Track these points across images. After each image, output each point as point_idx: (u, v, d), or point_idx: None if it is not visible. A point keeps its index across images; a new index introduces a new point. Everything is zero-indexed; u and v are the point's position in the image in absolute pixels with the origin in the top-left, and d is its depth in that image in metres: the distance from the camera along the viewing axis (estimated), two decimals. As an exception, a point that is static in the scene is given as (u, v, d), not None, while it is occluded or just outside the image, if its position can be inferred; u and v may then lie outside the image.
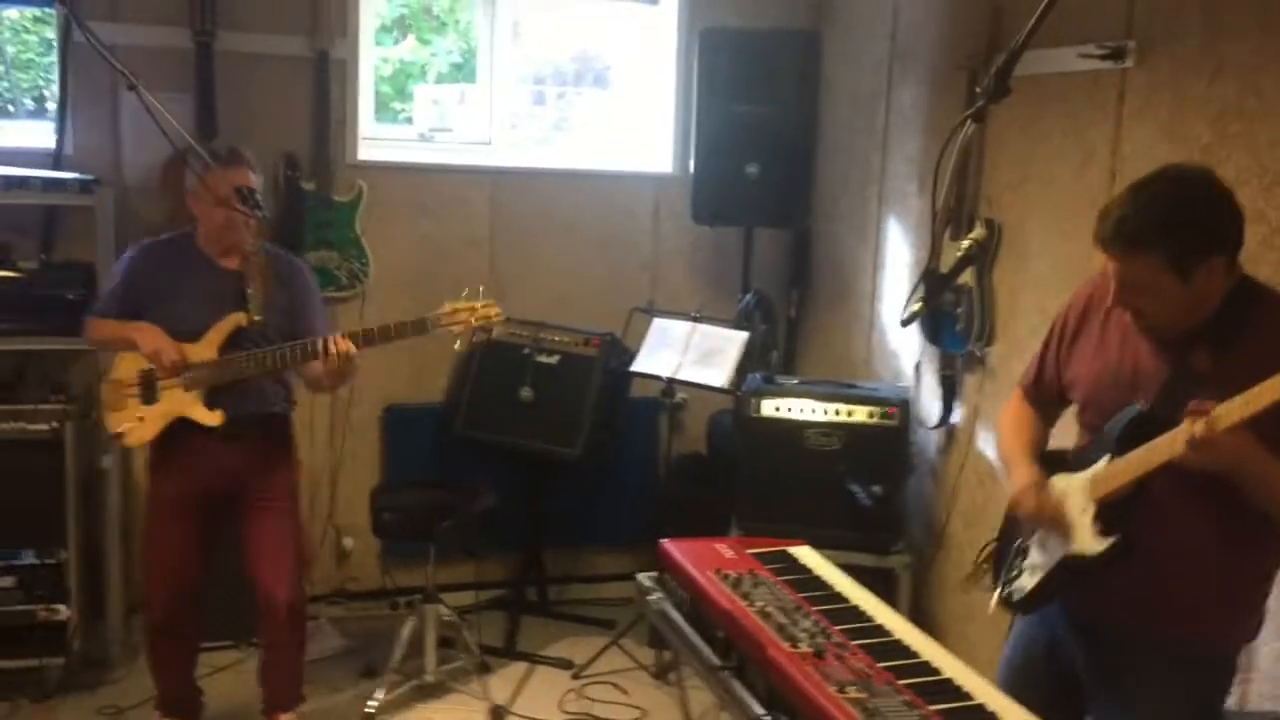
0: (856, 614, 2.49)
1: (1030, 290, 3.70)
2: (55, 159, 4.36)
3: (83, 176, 4.18)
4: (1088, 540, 2.38)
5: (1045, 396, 2.65)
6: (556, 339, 4.59)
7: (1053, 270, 3.62)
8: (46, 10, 4.59)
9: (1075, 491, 2.44)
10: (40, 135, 4.49)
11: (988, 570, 2.74)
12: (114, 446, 4.01)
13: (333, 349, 3.52)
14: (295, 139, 4.60)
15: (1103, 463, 2.37)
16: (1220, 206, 2.25)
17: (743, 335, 4.22)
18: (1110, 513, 2.35)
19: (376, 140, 4.91)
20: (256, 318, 3.61)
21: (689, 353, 4.27)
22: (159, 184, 4.40)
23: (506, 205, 4.94)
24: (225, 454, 3.65)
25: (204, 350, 3.58)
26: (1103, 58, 3.43)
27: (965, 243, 2.53)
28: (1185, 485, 2.21)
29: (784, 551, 2.90)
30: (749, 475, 4.20)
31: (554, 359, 4.56)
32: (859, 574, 4.21)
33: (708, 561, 2.75)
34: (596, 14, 5.47)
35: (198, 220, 3.67)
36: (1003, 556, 2.68)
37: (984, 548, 2.74)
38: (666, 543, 2.88)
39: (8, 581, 4.04)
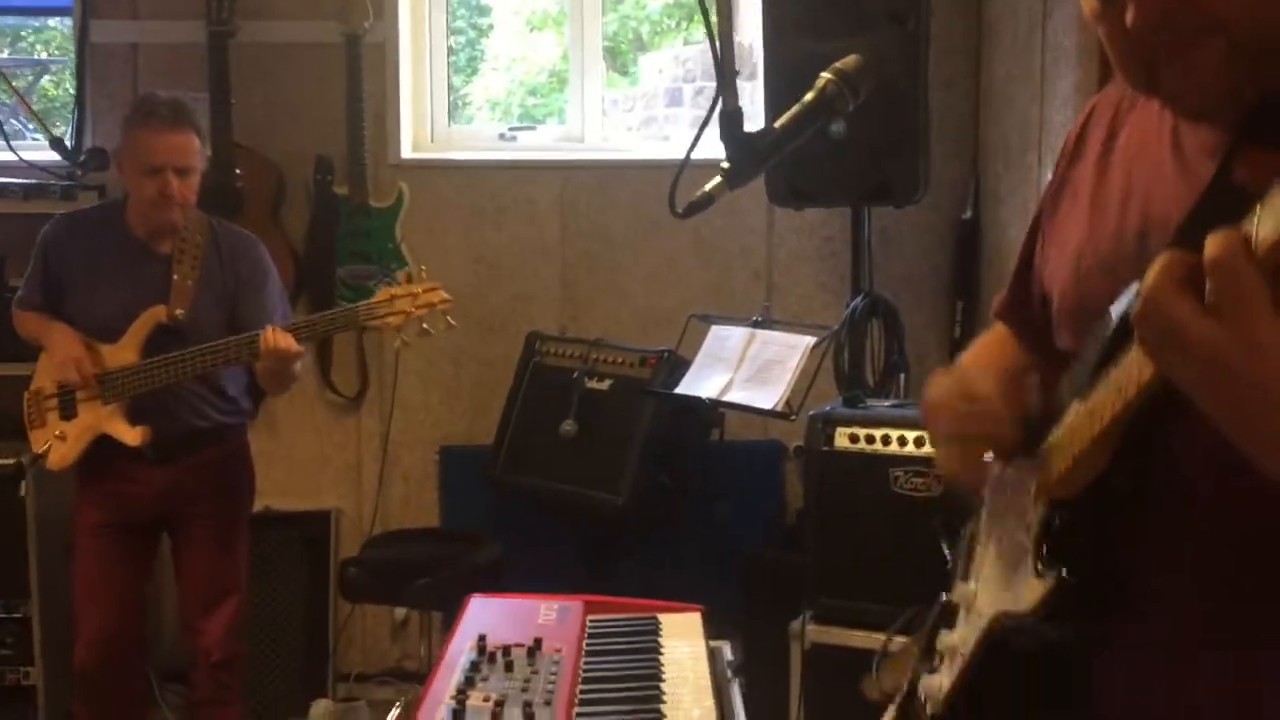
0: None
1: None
2: (73, 167, 3.98)
3: (64, 183, 3.76)
4: (1024, 582, 1.15)
5: (1031, 314, 1.38)
6: (611, 360, 3.66)
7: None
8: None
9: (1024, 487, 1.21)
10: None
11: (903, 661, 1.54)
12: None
13: (266, 344, 2.88)
14: (329, 139, 4.00)
15: (1069, 415, 1.10)
16: None
17: (807, 340, 3.12)
18: (1070, 523, 1.10)
19: (438, 142, 4.25)
20: (178, 312, 3.02)
21: (743, 367, 3.22)
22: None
23: (581, 207, 4.10)
24: (156, 477, 3.08)
25: (123, 353, 3.02)
26: None
27: (823, 78, 1.44)
28: (1218, 449, 0.92)
29: (648, 620, 1.86)
30: (818, 533, 3.09)
31: (604, 384, 3.63)
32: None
33: (495, 626, 1.76)
34: None
35: (129, 195, 3.14)
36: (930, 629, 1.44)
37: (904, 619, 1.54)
38: (474, 599, 1.93)
39: (-26, 636, 3.59)
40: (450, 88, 4.41)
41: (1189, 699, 1.13)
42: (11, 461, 3.50)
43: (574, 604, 1.87)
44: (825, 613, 3.05)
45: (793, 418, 3.06)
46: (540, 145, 4.28)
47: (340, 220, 4.00)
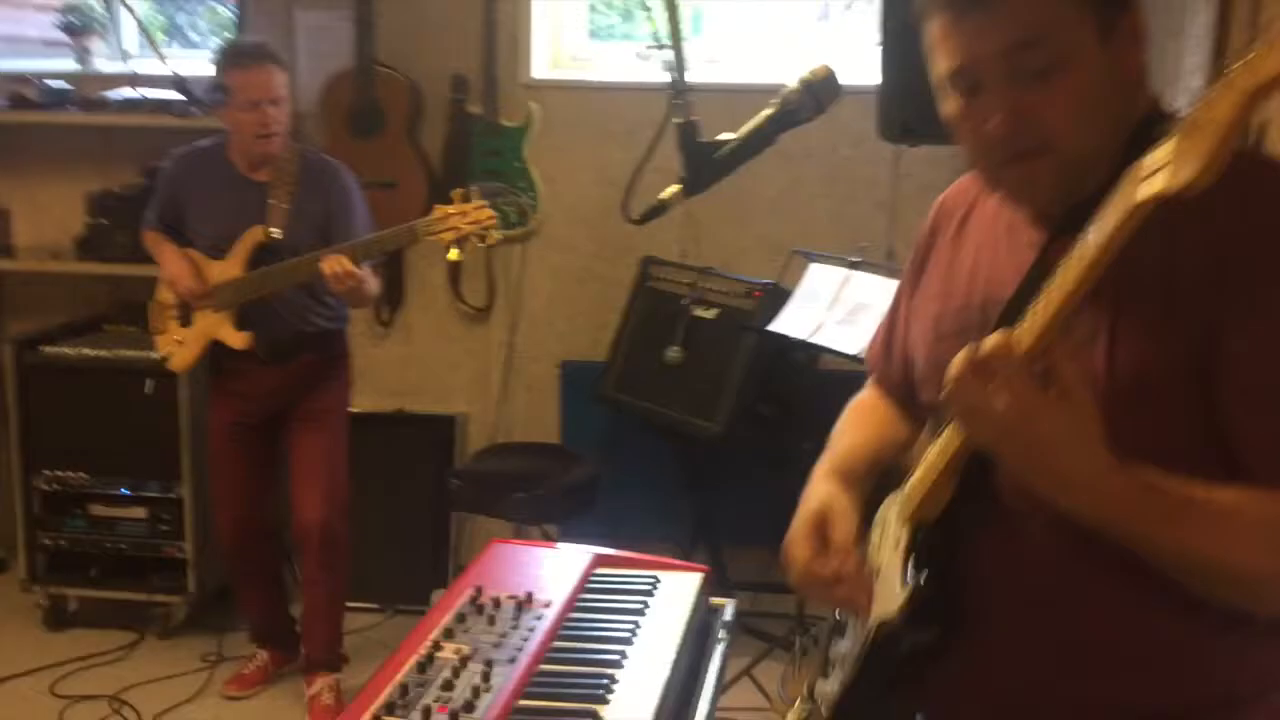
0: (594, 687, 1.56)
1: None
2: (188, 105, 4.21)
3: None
4: (892, 593, 1.34)
5: (893, 371, 1.60)
6: (718, 289, 3.72)
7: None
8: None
9: (892, 518, 1.41)
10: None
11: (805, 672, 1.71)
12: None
13: (325, 269, 3.14)
14: (466, 59, 4.12)
15: (928, 452, 1.33)
16: None
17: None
18: (930, 539, 1.31)
19: (577, 59, 4.32)
20: (273, 231, 3.32)
21: (836, 308, 3.24)
22: (319, 107, 4.13)
23: (705, 128, 4.10)
24: (268, 376, 3.44)
25: (229, 268, 3.37)
26: None
27: (788, 88, 1.46)
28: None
29: (647, 578, 1.96)
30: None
31: (711, 313, 3.69)
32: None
33: (499, 574, 1.90)
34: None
35: (229, 133, 3.43)
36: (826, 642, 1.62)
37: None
38: (496, 544, 2.07)
39: (139, 513, 3.98)
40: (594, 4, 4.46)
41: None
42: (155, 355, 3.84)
43: (584, 557, 1.98)
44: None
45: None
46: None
47: (473, 139, 4.14)
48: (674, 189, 1.55)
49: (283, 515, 3.69)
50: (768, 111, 1.51)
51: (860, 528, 1.44)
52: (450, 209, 3.10)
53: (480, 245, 3.14)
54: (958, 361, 1.13)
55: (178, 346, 3.46)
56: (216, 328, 3.37)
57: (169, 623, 4.01)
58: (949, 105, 1.29)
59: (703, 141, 1.51)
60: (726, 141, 1.50)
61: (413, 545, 4.21)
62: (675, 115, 1.53)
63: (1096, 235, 1.05)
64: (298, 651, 3.77)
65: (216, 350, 3.42)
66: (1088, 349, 1.19)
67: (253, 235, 3.31)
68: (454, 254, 3.11)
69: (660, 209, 1.56)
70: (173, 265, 3.38)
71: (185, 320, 3.44)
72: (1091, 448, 1.09)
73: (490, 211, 3.09)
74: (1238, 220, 1.14)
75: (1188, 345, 1.15)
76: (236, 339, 3.34)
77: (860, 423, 1.63)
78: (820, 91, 1.49)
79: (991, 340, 1.10)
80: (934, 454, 1.29)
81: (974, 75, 1.23)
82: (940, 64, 1.26)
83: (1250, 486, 1.13)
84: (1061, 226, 1.24)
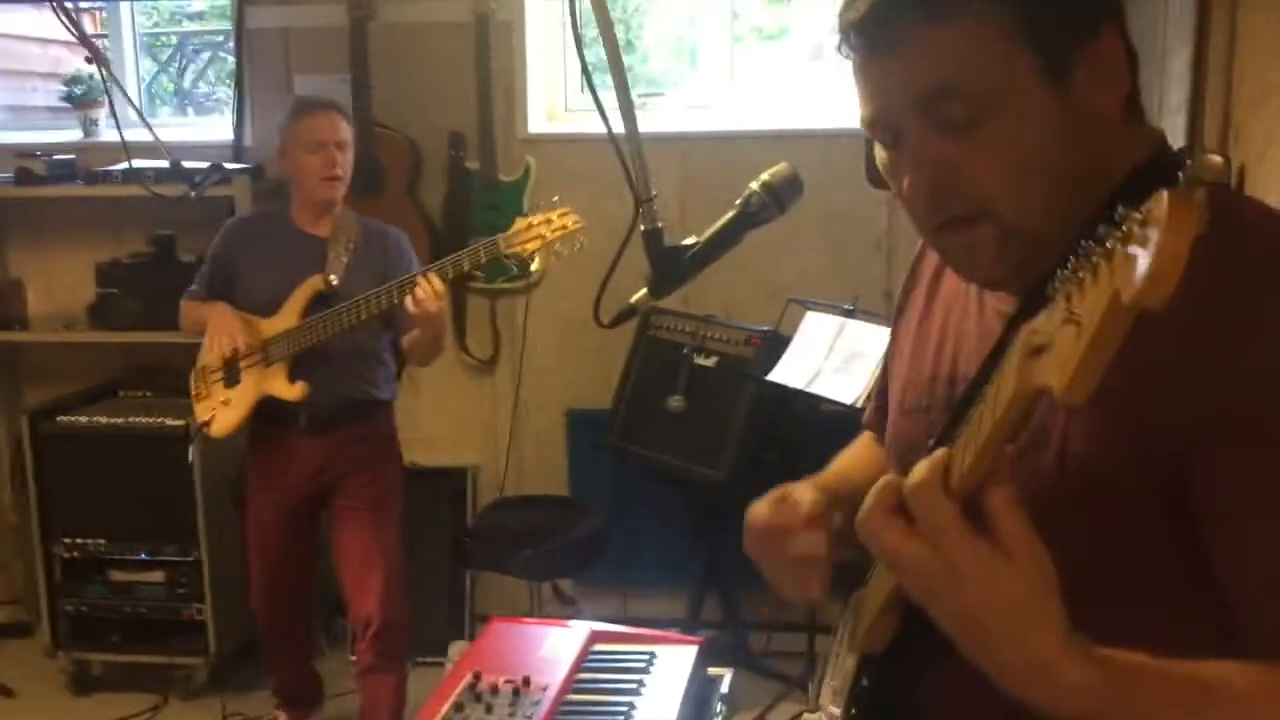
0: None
1: None
2: (235, 150, 4.32)
3: (235, 166, 4.07)
4: None
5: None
6: (718, 337, 3.76)
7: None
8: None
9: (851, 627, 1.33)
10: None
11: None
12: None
13: (420, 293, 3.06)
14: (463, 116, 4.19)
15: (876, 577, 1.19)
16: None
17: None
18: (881, 677, 1.20)
19: (573, 112, 4.39)
20: (332, 278, 3.31)
21: (832, 357, 3.28)
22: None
23: (700, 177, 4.16)
24: (313, 450, 3.39)
25: (284, 320, 3.34)
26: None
27: (749, 189, 1.52)
28: None
29: (643, 654, 2.00)
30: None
31: (712, 361, 3.73)
32: None
33: (497, 656, 1.95)
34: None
35: (294, 184, 3.44)
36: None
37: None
38: (495, 623, 2.12)
39: (158, 576, 4.04)
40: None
41: None
42: (181, 423, 3.90)
43: (581, 634, 2.02)
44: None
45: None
46: (668, 113, 4.36)
47: (472, 194, 4.20)
48: (642, 293, 1.59)
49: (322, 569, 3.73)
50: (730, 214, 1.55)
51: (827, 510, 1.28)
52: (533, 219, 3.10)
53: (561, 254, 3.09)
54: (872, 495, 0.93)
55: (223, 408, 3.36)
56: (267, 381, 3.29)
57: (191, 684, 4.06)
58: (879, 156, 1.10)
59: (669, 246, 1.54)
60: (692, 245, 1.53)
61: (430, 597, 4.24)
62: (641, 222, 1.55)
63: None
64: (321, 707, 3.81)
65: (257, 418, 3.34)
66: (1038, 453, 1.01)
67: (312, 284, 3.28)
68: (538, 264, 3.11)
69: (630, 313, 1.60)
70: (224, 320, 3.31)
71: (232, 382, 3.36)
72: (1042, 626, 0.86)
73: (575, 216, 3.09)
74: (1224, 343, 0.93)
75: (1162, 463, 0.96)
76: (290, 390, 3.26)
77: (856, 452, 1.51)
78: (782, 191, 1.53)
79: (919, 469, 0.89)
80: (878, 580, 1.13)
81: (892, 126, 1.05)
82: (860, 110, 1.08)
83: (1241, 658, 0.93)
84: (1030, 299, 1.03)
